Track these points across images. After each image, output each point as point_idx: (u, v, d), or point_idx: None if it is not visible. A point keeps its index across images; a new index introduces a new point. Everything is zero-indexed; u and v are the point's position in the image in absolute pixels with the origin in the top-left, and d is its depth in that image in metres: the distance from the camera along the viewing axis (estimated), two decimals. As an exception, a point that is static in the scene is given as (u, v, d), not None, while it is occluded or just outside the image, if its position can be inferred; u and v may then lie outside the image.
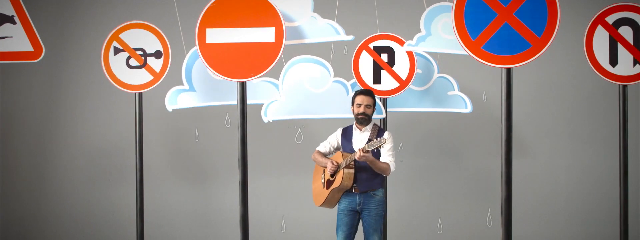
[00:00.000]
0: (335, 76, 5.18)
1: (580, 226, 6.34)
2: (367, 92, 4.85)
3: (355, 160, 4.68)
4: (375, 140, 4.49)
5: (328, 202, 4.89)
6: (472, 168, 6.48)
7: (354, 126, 4.89)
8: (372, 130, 4.83)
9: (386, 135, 4.80)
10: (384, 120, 5.34)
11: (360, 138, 4.83)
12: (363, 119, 4.80)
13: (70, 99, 6.97)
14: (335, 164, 4.74)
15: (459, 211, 6.49)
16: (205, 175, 6.87)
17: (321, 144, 5.02)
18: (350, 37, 4.69)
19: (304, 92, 5.20)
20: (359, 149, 4.51)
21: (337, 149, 4.98)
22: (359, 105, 4.80)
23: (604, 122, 6.19)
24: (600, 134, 6.25)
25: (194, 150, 6.83)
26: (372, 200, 4.79)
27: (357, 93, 4.86)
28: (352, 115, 4.93)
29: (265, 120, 5.23)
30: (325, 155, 4.98)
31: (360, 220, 4.88)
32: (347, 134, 4.91)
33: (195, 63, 5.27)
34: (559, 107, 6.35)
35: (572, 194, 6.36)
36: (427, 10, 4.97)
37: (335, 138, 4.96)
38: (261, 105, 5.25)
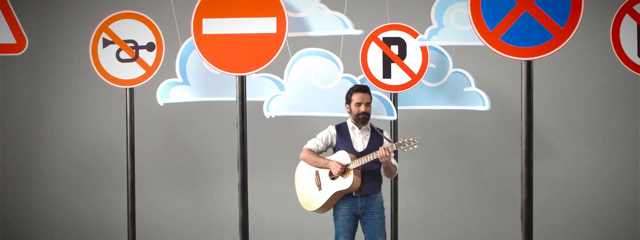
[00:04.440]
0: (344, 72, 5.18)
1: (606, 231, 6.33)
2: (365, 89, 4.85)
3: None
4: (406, 139, 4.50)
5: (325, 207, 4.87)
6: (489, 169, 6.48)
7: (351, 124, 4.89)
8: (371, 129, 4.88)
9: (386, 134, 4.88)
10: (395, 120, 5.34)
11: (361, 137, 4.84)
12: (364, 119, 4.81)
13: (56, 95, 6.99)
14: (343, 164, 4.74)
15: (476, 214, 6.49)
16: (202, 176, 6.89)
17: (311, 142, 4.95)
18: (358, 32, 4.67)
19: (311, 87, 5.20)
20: (384, 148, 4.53)
21: (328, 147, 4.97)
22: (359, 103, 4.79)
23: (632, 120, 6.17)
24: (628, 133, 6.24)
25: (190, 149, 6.85)
26: (374, 203, 4.83)
27: (354, 91, 4.84)
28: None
29: (267, 115, 5.23)
30: (317, 154, 4.96)
31: (358, 225, 4.90)
32: (343, 132, 4.89)
33: (190, 55, 5.28)
34: (582, 103, 6.35)
35: (596, 196, 6.35)
36: (438, 0, 4.96)
37: (328, 136, 4.92)
38: (261, 102, 5.26)
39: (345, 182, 4.72)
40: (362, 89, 4.84)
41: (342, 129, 4.91)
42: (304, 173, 4.99)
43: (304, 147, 4.95)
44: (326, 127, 4.97)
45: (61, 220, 6.98)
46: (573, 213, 6.37)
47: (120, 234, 6.36)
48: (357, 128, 4.86)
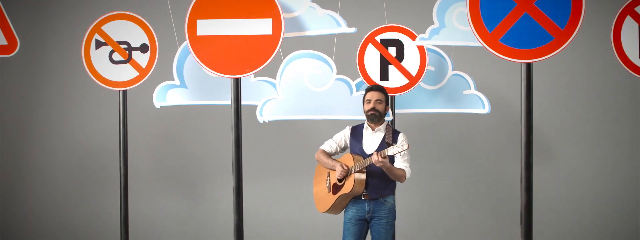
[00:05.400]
0: (338, 74, 5.17)
1: (607, 236, 6.32)
2: (377, 88, 4.85)
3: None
4: (395, 144, 4.45)
5: (334, 209, 4.87)
6: (488, 173, 6.47)
7: (365, 125, 4.87)
8: (386, 131, 4.82)
9: (401, 137, 4.78)
10: (392, 122, 5.33)
11: (372, 139, 4.81)
12: (374, 115, 4.77)
13: (47, 97, 6.97)
14: (346, 167, 4.72)
15: (474, 219, 6.48)
16: (196, 180, 6.87)
17: (326, 143, 4.98)
18: (352, 30, 4.66)
19: (304, 91, 5.19)
20: (377, 153, 4.49)
21: (343, 149, 4.97)
22: (369, 101, 4.79)
23: (633, 123, 6.16)
24: (629, 136, 6.23)
25: (184, 153, 6.83)
26: (383, 207, 4.77)
27: (367, 90, 4.87)
28: (356, 117, 4.93)
29: (261, 120, 5.21)
30: (330, 155, 4.96)
31: (368, 229, 4.86)
32: (356, 133, 4.89)
33: (188, 57, 5.26)
34: (583, 106, 6.33)
35: (597, 201, 6.34)
36: None
37: (342, 137, 4.94)
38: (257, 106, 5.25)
39: (348, 186, 4.70)
40: (373, 88, 4.86)
41: (356, 130, 4.91)
42: (320, 173, 5.03)
43: (319, 148, 4.98)
44: (323, 130, 4.97)
45: (53, 223, 6.96)
46: (573, 218, 6.36)
47: (114, 239, 6.34)
48: (370, 129, 4.84)
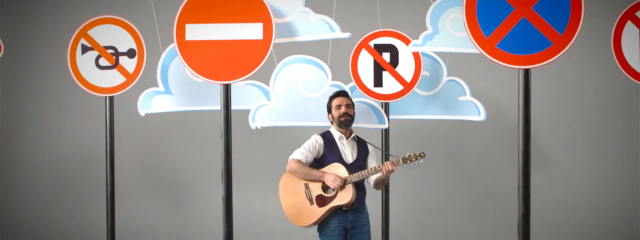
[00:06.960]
0: (333, 80, 5.13)
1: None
2: (344, 93, 4.87)
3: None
4: (412, 154, 4.53)
5: (317, 222, 4.76)
6: (484, 181, 6.44)
7: (338, 134, 4.82)
8: (358, 139, 4.87)
9: (369, 143, 4.88)
10: (387, 130, 5.30)
11: (350, 148, 4.80)
12: (347, 121, 4.78)
13: (32, 103, 6.93)
14: (342, 178, 4.64)
15: (470, 229, 6.45)
16: (185, 189, 6.83)
17: (298, 152, 4.79)
18: (346, 35, 4.63)
19: (298, 96, 5.15)
20: (389, 163, 4.54)
21: (315, 158, 4.83)
22: (339, 106, 4.79)
23: (633, 130, 6.15)
24: (629, 144, 6.22)
25: (172, 161, 6.79)
26: (362, 215, 4.82)
27: (333, 96, 4.86)
28: (353, 125, 4.90)
29: (253, 126, 5.18)
30: (307, 165, 4.80)
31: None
32: (330, 143, 4.82)
33: (172, 62, 5.22)
34: (582, 113, 6.31)
35: (597, 210, 6.31)
36: (434, 4, 4.89)
37: (316, 146, 4.79)
38: (247, 111, 5.20)
39: (345, 196, 4.63)
40: (340, 93, 4.86)
41: (328, 139, 4.83)
42: (292, 186, 4.82)
43: (290, 158, 4.79)
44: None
45: (39, 230, 6.91)
46: (571, 227, 6.33)
47: (99, 249, 6.30)
48: (344, 138, 4.81)
